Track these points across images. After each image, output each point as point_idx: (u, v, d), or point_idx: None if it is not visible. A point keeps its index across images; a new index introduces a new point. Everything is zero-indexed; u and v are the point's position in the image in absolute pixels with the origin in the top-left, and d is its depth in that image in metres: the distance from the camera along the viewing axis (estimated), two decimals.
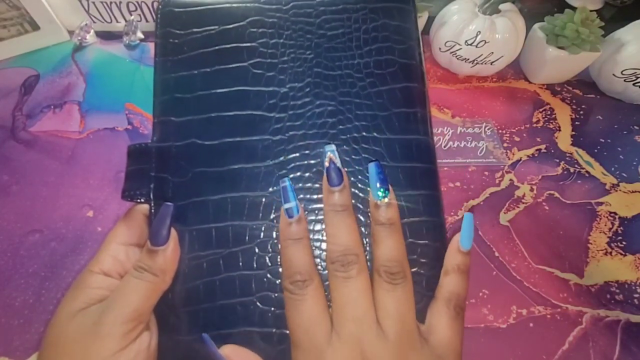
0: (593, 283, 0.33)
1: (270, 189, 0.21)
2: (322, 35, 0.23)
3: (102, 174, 0.39)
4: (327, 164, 0.20)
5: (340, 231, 0.19)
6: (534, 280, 0.33)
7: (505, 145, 0.42)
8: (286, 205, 0.20)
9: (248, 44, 0.23)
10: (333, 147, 0.21)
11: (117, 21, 0.52)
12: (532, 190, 0.39)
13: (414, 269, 0.20)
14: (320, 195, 0.21)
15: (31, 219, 0.35)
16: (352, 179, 0.21)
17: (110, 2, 0.49)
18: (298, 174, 0.21)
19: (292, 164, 0.21)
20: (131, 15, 0.51)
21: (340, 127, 0.22)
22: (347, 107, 0.22)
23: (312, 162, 0.21)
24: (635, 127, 0.45)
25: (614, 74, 0.45)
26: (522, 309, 0.32)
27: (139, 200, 0.21)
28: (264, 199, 0.21)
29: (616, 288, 0.33)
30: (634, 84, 0.44)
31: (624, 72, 0.44)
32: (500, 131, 0.44)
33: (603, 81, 0.47)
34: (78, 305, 0.18)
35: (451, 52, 0.46)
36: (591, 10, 0.44)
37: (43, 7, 0.47)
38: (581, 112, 0.46)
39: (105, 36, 0.52)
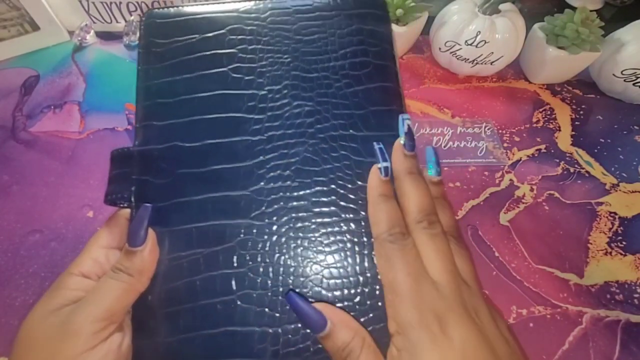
0: (593, 283, 0.33)
1: (251, 188, 0.21)
2: (299, 40, 0.24)
3: (102, 174, 0.39)
4: (406, 129, 0.21)
5: (420, 191, 0.20)
6: (534, 280, 0.33)
7: (505, 145, 0.42)
8: (382, 165, 0.21)
9: (227, 50, 0.24)
10: (408, 115, 0.22)
11: (117, 21, 0.52)
12: (532, 190, 0.39)
13: None
14: (297, 193, 0.21)
15: (31, 219, 0.35)
16: (330, 175, 0.22)
17: (110, 3, 0.49)
18: (278, 172, 0.22)
19: (272, 163, 0.22)
20: (131, 15, 0.51)
21: (318, 126, 0.22)
22: (325, 107, 0.23)
23: (291, 160, 0.22)
24: (635, 127, 0.45)
25: (614, 74, 0.45)
26: (522, 309, 0.32)
27: (121, 205, 0.22)
28: (244, 198, 0.21)
29: (616, 288, 0.33)
30: (634, 84, 0.44)
31: (624, 72, 0.44)
32: (500, 131, 0.43)
33: (603, 81, 0.47)
34: (52, 306, 0.19)
35: (451, 52, 0.46)
36: (591, 10, 0.44)
37: (43, 7, 0.47)
38: (581, 112, 0.46)
39: (105, 36, 0.53)
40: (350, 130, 0.22)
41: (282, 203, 0.21)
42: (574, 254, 0.35)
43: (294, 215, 0.21)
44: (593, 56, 0.45)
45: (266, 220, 0.21)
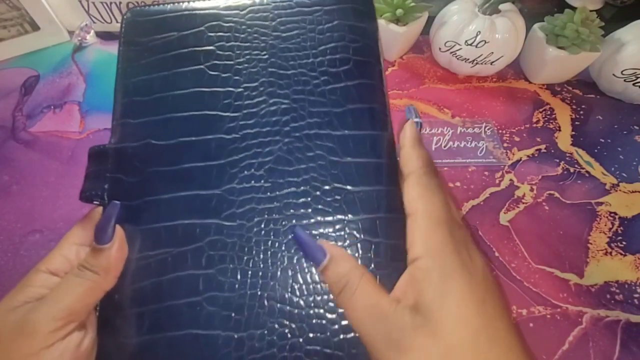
0: (593, 283, 0.33)
1: (223, 187, 0.21)
2: (277, 37, 0.24)
3: None
4: (414, 117, 0.22)
5: (425, 152, 0.21)
6: (534, 280, 0.33)
7: (505, 145, 0.42)
8: (417, 120, 0.22)
9: (205, 48, 0.23)
10: (413, 106, 0.22)
11: (117, 21, 0.52)
12: (532, 190, 0.39)
13: (370, 268, 0.20)
14: (270, 194, 0.21)
15: (31, 219, 0.35)
16: (304, 176, 0.21)
17: (110, 2, 0.49)
18: (251, 171, 0.21)
19: (245, 162, 0.21)
20: None
21: (293, 124, 0.22)
22: (301, 105, 0.22)
23: (264, 160, 0.21)
24: (635, 127, 0.45)
25: (614, 74, 0.45)
26: (522, 309, 0.32)
27: (96, 202, 0.21)
28: (215, 197, 0.21)
29: (616, 288, 0.33)
30: (634, 84, 0.44)
31: (624, 72, 0.44)
32: (500, 131, 0.44)
33: (603, 81, 0.47)
34: (14, 303, 0.18)
35: (451, 52, 0.46)
36: (591, 10, 0.44)
37: (43, 7, 0.47)
38: (581, 112, 0.46)
39: (105, 36, 0.53)
40: (327, 129, 0.22)
41: (253, 204, 0.21)
42: (574, 254, 0.35)
43: (265, 216, 0.21)
44: (593, 56, 0.45)
45: (237, 221, 0.21)
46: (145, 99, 0.23)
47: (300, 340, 0.19)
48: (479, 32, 0.43)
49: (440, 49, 0.47)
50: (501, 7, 0.44)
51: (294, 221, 0.20)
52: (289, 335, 0.19)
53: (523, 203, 0.38)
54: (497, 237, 0.36)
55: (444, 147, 0.41)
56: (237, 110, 0.22)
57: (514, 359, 0.16)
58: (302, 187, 0.21)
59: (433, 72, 0.50)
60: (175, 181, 0.21)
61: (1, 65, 0.49)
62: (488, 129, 0.43)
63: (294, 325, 0.19)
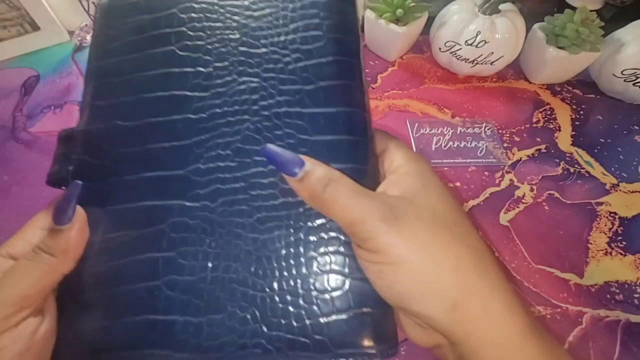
0: (593, 283, 0.33)
1: (187, 168, 0.21)
2: (249, 16, 0.23)
3: None
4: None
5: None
6: (534, 280, 0.33)
7: (505, 145, 0.42)
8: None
9: (176, 29, 0.23)
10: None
11: None
12: (532, 190, 0.39)
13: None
14: (235, 174, 0.20)
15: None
16: None
17: None
18: (217, 151, 0.21)
19: (211, 142, 0.21)
20: None
21: (262, 103, 0.21)
22: (271, 83, 0.22)
23: (231, 139, 0.21)
24: (635, 127, 0.45)
25: (614, 74, 0.45)
26: None
27: (63, 186, 0.21)
28: (179, 178, 0.20)
29: (616, 288, 0.33)
30: (634, 84, 0.44)
31: (624, 72, 0.44)
32: (500, 131, 0.43)
33: (603, 81, 0.47)
34: None
35: (451, 52, 0.46)
36: (591, 10, 0.44)
37: (43, 7, 0.47)
38: (581, 112, 0.46)
39: None
40: (297, 107, 0.21)
41: (219, 184, 0.20)
42: (574, 254, 0.35)
43: (231, 197, 0.20)
44: (593, 56, 0.45)
45: (201, 202, 0.20)
46: (114, 81, 0.23)
47: (262, 326, 0.18)
48: (479, 32, 0.43)
49: (440, 49, 0.47)
50: (501, 7, 0.44)
51: (260, 201, 0.20)
52: (250, 321, 0.19)
53: (523, 203, 0.38)
54: (497, 237, 0.36)
55: (444, 147, 0.41)
56: (206, 90, 0.22)
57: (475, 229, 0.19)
58: (269, 167, 0.20)
59: (433, 72, 0.50)
60: (140, 162, 0.21)
61: (1, 65, 0.49)
62: (488, 129, 0.43)
63: (255, 310, 0.19)
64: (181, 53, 0.23)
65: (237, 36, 0.23)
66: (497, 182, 0.39)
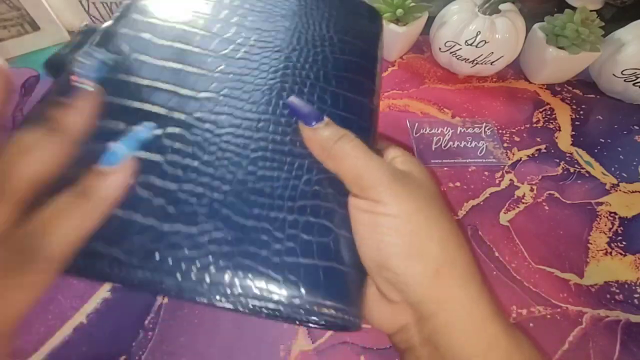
0: (593, 283, 0.33)
1: (205, 93, 0.21)
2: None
3: None
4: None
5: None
6: (534, 280, 0.33)
7: (505, 145, 0.42)
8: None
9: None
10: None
11: None
12: (532, 190, 0.39)
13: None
14: (251, 112, 0.21)
15: None
16: (285, 110, 0.22)
17: (110, 2, 0.49)
18: (241, 90, 0.22)
19: (235, 81, 0.22)
20: None
21: (289, 63, 0.24)
22: (313, 62, 0.24)
23: (255, 87, 0.22)
24: (635, 127, 0.45)
25: (614, 74, 0.45)
26: (522, 309, 0.32)
27: (59, 74, 0.22)
28: (194, 98, 0.21)
29: (616, 288, 0.33)
30: (634, 84, 0.44)
31: (624, 72, 0.44)
32: (500, 131, 0.44)
33: (603, 81, 0.47)
34: None
35: (451, 52, 0.46)
36: (591, 10, 0.44)
37: (43, 7, 0.47)
38: (581, 112, 0.46)
39: None
40: (323, 83, 0.23)
41: (232, 116, 0.21)
42: (574, 254, 0.35)
43: (239, 130, 0.20)
44: (593, 56, 0.45)
45: (207, 125, 0.20)
46: (152, 21, 0.24)
47: (235, 250, 0.17)
48: (479, 32, 0.43)
49: (440, 49, 0.47)
50: (501, 7, 0.44)
51: (267, 142, 0.21)
52: (222, 243, 0.17)
53: (523, 203, 0.38)
54: (497, 237, 0.36)
55: (444, 147, 0.41)
56: (237, 49, 0.24)
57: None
58: (285, 116, 0.21)
59: (433, 72, 0.50)
60: (160, 73, 0.22)
61: None
62: (488, 129, 0.43)
63: (232, 234, 0.17)
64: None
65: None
66: (497, 182, 0.39)
